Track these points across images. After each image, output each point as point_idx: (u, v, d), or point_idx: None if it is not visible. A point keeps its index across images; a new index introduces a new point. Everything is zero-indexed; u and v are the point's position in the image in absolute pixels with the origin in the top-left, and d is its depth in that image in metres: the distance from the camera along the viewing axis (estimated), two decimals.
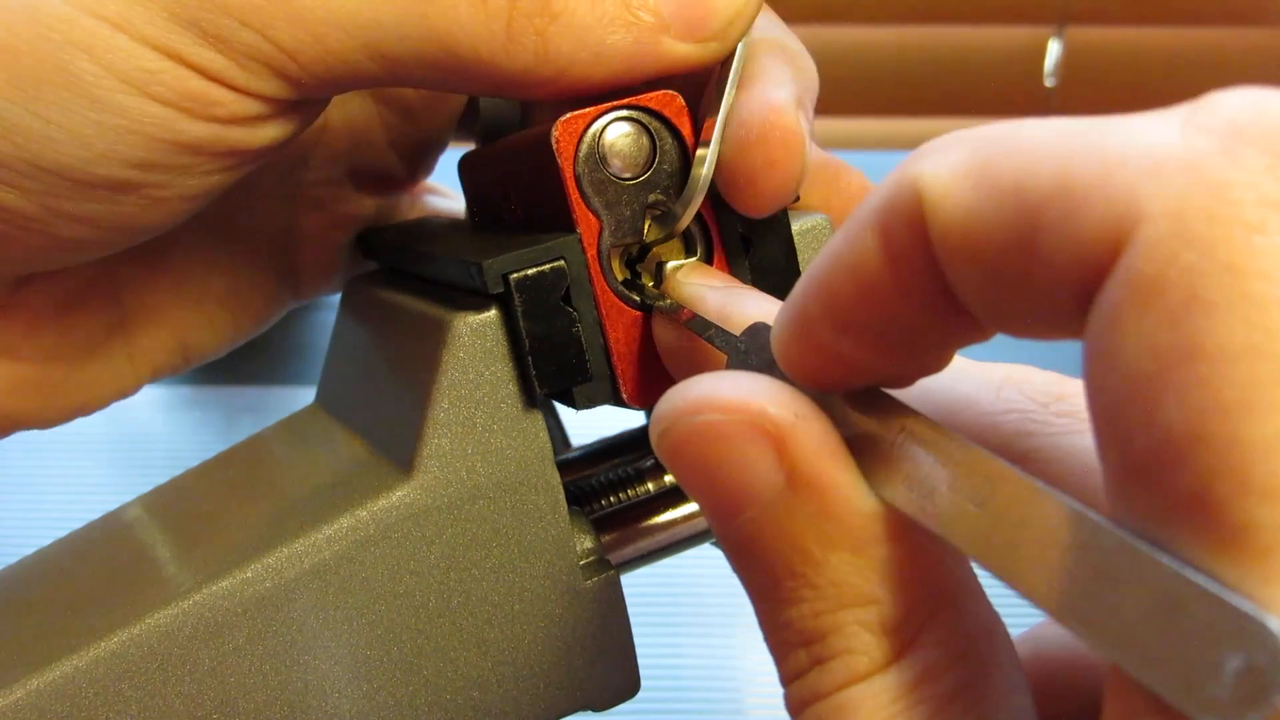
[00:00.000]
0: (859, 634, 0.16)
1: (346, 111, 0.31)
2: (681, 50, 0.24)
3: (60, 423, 0.30)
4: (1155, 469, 0.12)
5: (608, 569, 0.26)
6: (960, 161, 0.14)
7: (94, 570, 0.27)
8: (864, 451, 0.16)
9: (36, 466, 0.64)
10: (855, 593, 0.16)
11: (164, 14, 0.22)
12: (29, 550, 0.30)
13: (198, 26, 0.22)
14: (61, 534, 0.30)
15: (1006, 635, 0.16)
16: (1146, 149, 0.12)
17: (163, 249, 0.31)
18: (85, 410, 0.31)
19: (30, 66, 0.22)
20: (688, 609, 0.55)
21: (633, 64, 0.24)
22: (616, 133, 0.24)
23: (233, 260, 0.32)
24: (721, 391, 0.17)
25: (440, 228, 0.31)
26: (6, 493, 0.63)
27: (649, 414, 0.33)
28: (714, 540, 0.30)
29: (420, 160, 0.34)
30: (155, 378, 0.32)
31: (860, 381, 0.17)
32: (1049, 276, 0.13)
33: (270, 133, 0.25)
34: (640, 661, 0.27)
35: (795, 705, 0.17)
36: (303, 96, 0.24)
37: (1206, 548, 0.11)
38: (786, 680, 0.17)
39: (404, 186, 0.34)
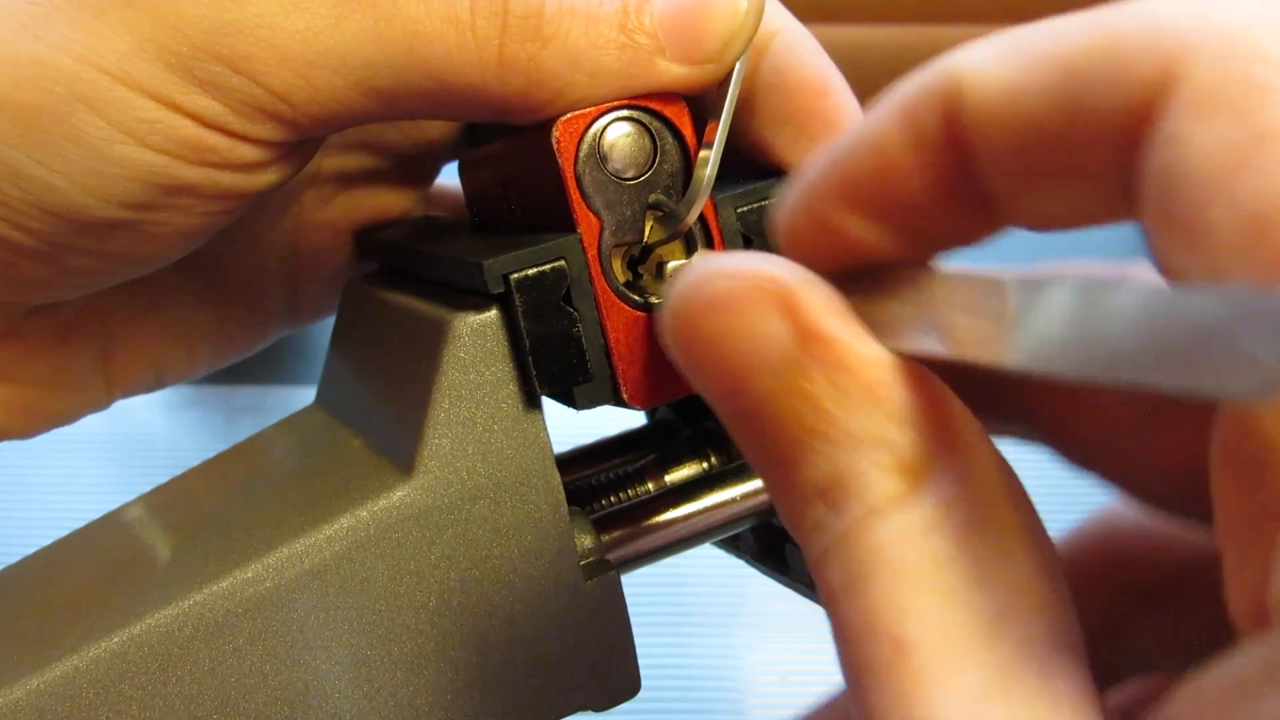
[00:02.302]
0: (876, 473, 0.16)
1: (341, 140, 0.31)
2: (677, 72, 0.24)
3: (35, 435, 0.31)
4: (1247, 238, 0.12)
5: (608, 569, 0.26)
6: (998, 46, 0.15)
7: (94, 570, 0.27)
8: (868, 317, 0.17)
9: (36, 466, 0.64)
10: (870, 437, 0.16)
11: (161, 64, 0.23)
12: (29, 550, 0.30)
13: (192, 75, 0.23)
14: (61, 534, 0.30)
15: (1019, 483, 0.16)
16: (1186, 5, 0.14)
17: (153, 285, 0.32)
18: (59, 424, 0.32)
19: (34, 118, 0.23)
20: (688, 609, 0.55)
21: (628, 86, 0.24)
22: (617, 132, 0.24)
23: (223, 297, 0.33)
24: (730, 261, 0.17)
25: (440, 228, 0.31)
26: (6, 493, 0.63)
27: (649, 414, 0.33)
28: (714, 540, 0.30)
29: (421, 179, 0.34)
30: (125, 396, 0.33)
31: (853, 263, 0.17)
32: (1095, 135, 0.14)
33: (269, 175, 0.25)
34: (641, 662, 0.27)
35: (816, 556, 0.17)
36: (301, 137, 0.25)
37: None
38: (805, 536, 0.17)
39: (404, 207, 0.34)
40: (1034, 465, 0.20)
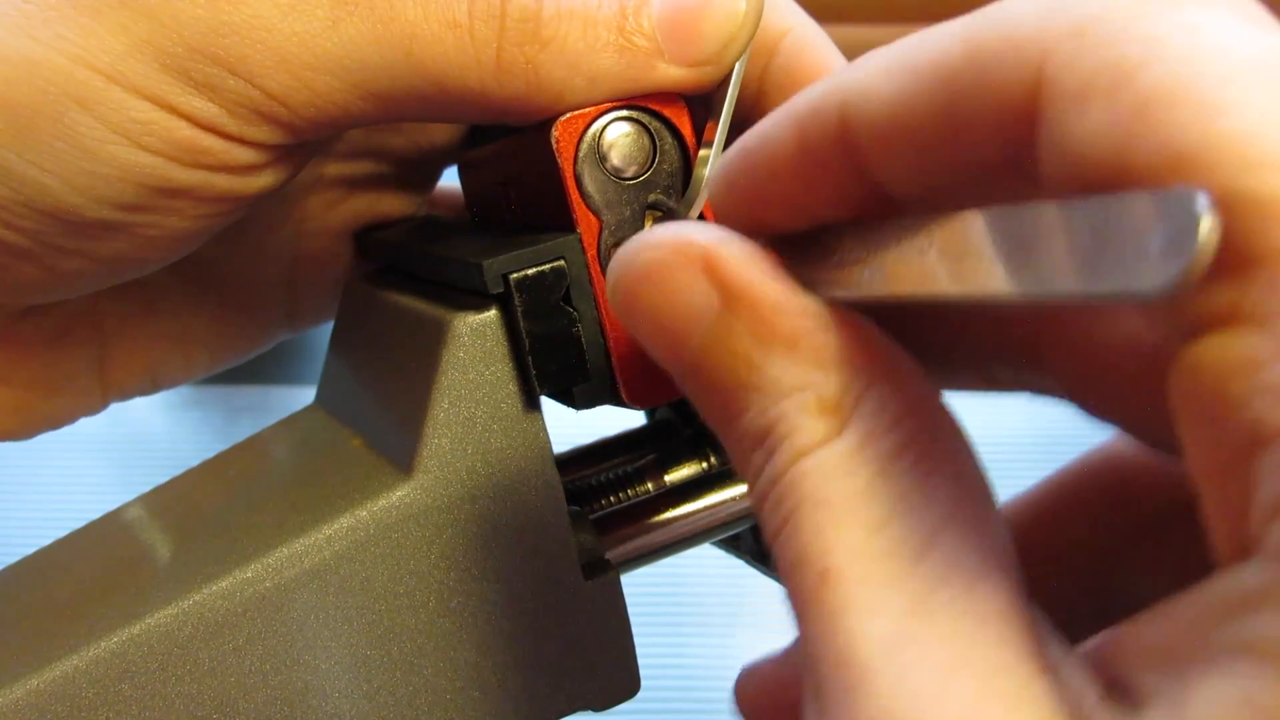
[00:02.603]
0: (800, 416, 0.17)
1: (344, 147, 0.31)
2: (676, 74, 0.24)
3: (28, 437, 0.31)
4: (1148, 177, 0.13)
5: (608, 569, 0.26)
6: (880, 63, 0.16)
7: (94, 570, 0.27)
8: (810, 263, 0.18)
9: (36, 466, 0.64)
10: (794, 382, 0.17)
11: (156, 65, 0.23)
12: (29, 550, 0.30)
13: (188, 76, 0.23)
14: (61, 534, 0.30)
15: (949, 410, 0.17)
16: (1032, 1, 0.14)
17: (150, 289, 0.32)
18: (54, 426, 0.32)
19: (27, 118, 0.23)
20: (688, 609, 0.55)
21: (627, 88, 0.24)
22: (616, 132, 0.24)
23: (222, 301, 0.33)
24: (653, 233, 0.18)
25: (440, 227, 0.31)
26: (6, 493, 0.63)
27: (649, 414, 0.33)
28: (714, 540, 0.30)
29: (424, 184, 0.33)
30: (120, 400, 0.33)
31: (788, 227, 0.19)
32: (976, 136, 0.15)
33: (264, 178, 0.25)
34: (640, 661, 0.27)
35: (756, 500, 0.18)
36: (298, 140, 0.25)
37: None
38: (750, 484, 0.18)
39: (407, 211, 0.34)
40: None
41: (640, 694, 0.27)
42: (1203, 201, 0.12)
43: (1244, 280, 0.12)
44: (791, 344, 0.17)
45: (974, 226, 0.15)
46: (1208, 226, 0.11)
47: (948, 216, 0.15)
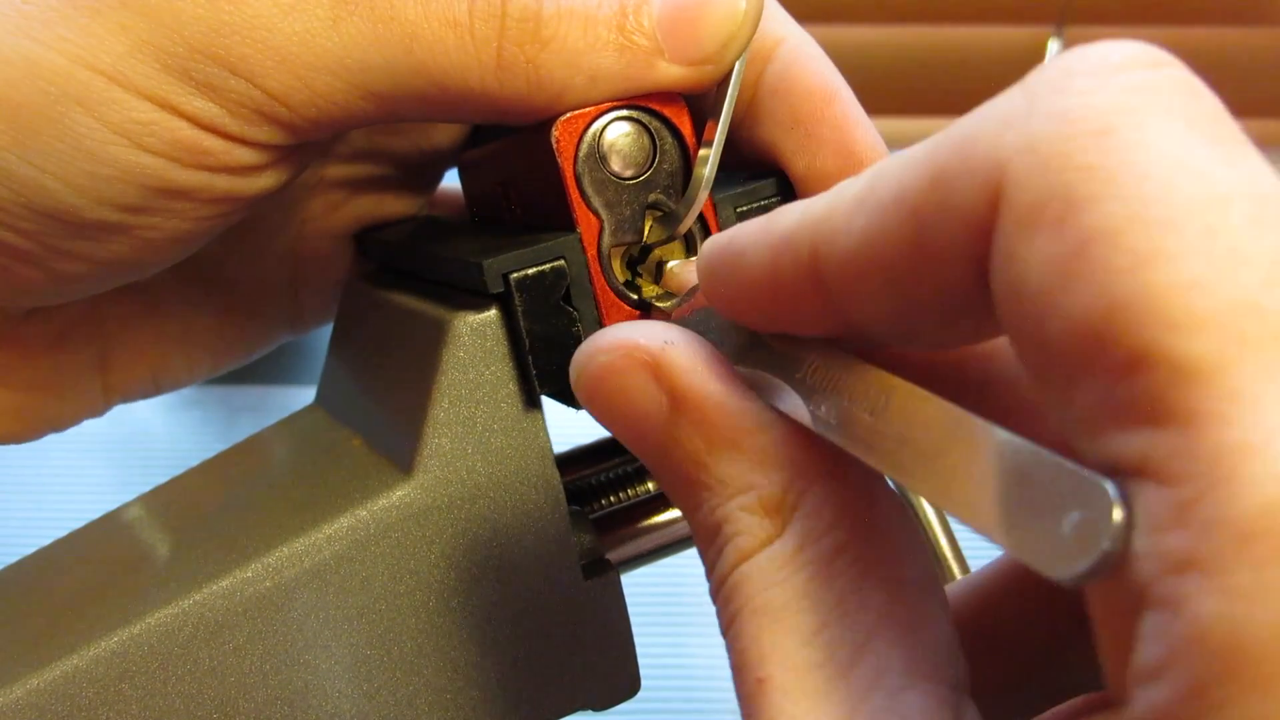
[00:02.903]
0: (743, 517, 0.18)
1: (346, 150, 0.31)
2: (676, 73, 0.24)
3: (31, 439, 0.31)
4: (1085, 349, 0.13)
5: (608, 568, 0.26)
6: (845, 201, 0.16)
7: (94, 570, 0.27)
8: (781, 377, 0.18)
9: (36, 466, 0.64)
10: (738, 483, 0.18)
11: (157, 66, 0.23)
12: (29, 550, 0.30)
13: (189, 76, 0.23)
14: (61, 534, 0.30)
15: (898, 507, 0.17)
16: (990, 119, 0.14)
17: (152, 291, 0.32)
18: (55, 429, 0.32)
19: (28, 119, 0.23)
20: (688, 608, 0.55)
21: (627, 87, 0.24)
22: (616, 132, 0.24)
23: (224, 304, 0.33)
24: (604, 337, 0.19)
25: (440, 227, 0.31)
26: (6, 493, 0.63)
27: None
28: None
29: (426, 186, 0.33)
30: (124, 402, 0.33)
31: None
32: (946, 259, 0.15)
33: (265, 179, 0.25)
34: (640, 661, 0.27)
35: (712, 596, 0.18)
36: (299, 140, 0.25)
37: (1141, 391, 0.12)
38: (707, 577, 0.19)
39: (408, 213, 0.34)
40: None
41: (640, 694, 0.27)
42: (1112, 494, 0.12)
43: (1155, 435, 0.12)
44: (734, 445, 0.18)
45: (923, 418, 0.15)
46: (1118, 522, 0.12)
47: (906, 391, 0.16)
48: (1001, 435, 0.14)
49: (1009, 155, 0.14)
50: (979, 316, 0.15)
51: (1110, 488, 0.12)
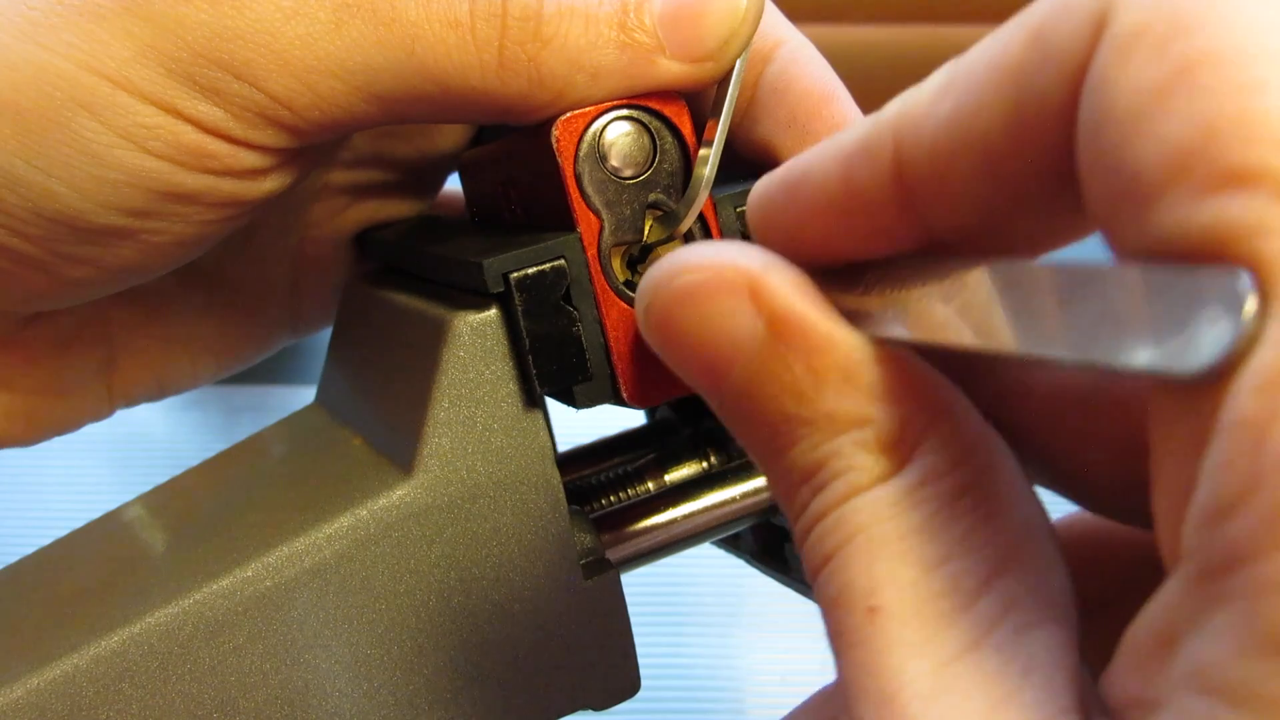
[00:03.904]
0: (856, 453, 0.16)
1: (350, 154, 0.31)
2: (677, 70, 0.24)
3: (36, 443, 0.31)
4: (1177, 167, 0.12)
5: (608, 568, 0.26)
6: (927, 90, 0.15)
7: (94, 569, 0.27)
8: (842, 311, 0.17)
9: (36, 466, 0.64)
10: (850, 418, 0.16)
11: (162, 70, 0.23)
12: (29, 550, 0.30)
13: (193, 81, 0.23)
14: (61, 534, 0.30)
15: (1008, 450, 0.16)
16: None
17: (157, 295, 0.32)
18: (60, 432, 0.32)
19: (34, 123, 0.23)
20: (688, 608, 0.55)
21: (629, 85, 0.24)
22: (617, 131, 0.24)
23: (227, 308, 0.33)
24: (693, 254, 0.17)
25: (440, 227, 0.31)
26: (6, 493, 0.63)
27: (649, 413, 0.33)
28: (714, 540, 0.30)
29: (428, 190, 0.34)
30: (128, 405, 0.33)
31: (823, 259, 0.18)
32: (1046, 121, 0.14)
33: (269, 182, 0.25)
34: (640, 661, 0.27)
35: (801, 535, 0.17)
36: (303, 143, 0.25)
37: (1241, 204, 0.11)
38: (794, 517, 0.17)
39: (411, 213, 0.34)
40: None
41: (640, 694, 0.27)
42: (1245, 283, 0.11)
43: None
44: (847, 377, 0.16)
45: (1004, 279, 0.14)
46: (1250, 311, 0.11)
47: (981, 262, 0.15)
48: (1094, 265, 0.13)
49: None
50: (1073, 200, 0.14)
51: (1241, 274, 0.11)
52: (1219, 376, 0.11)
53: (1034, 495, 0.16)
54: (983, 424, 0.16)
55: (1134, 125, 0.12)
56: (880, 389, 0.16)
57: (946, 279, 0.15)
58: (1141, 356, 0.12)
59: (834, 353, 0.16)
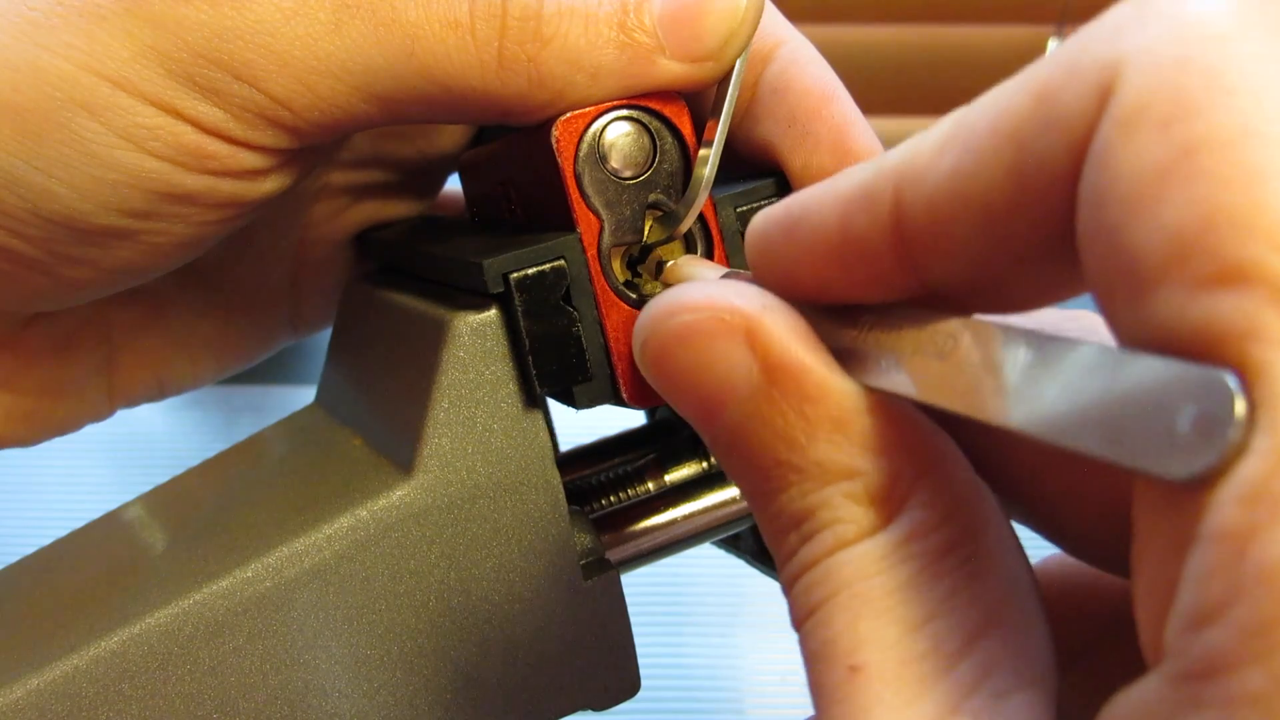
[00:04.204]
0: (845, 505, 0.16)
1: (350, 155, 0.31)
2: (677, 70, 0.24)
3: (36, 443, 0.31)
4: (1173, 257, 0.12)
5: (608, 568, 0.26)
6: (930, 140, 0.15)
7: (94, 570, 0.27)
8: (836, 350, 0.17)
9: (36, 466, 0.64)
10: (840, 468, 0.16)
11: (162, 71, 0.23)
12: (29, 550, 0.30)
13: (193, 81, 0.23)
14: (61, 534, 0.30)
15: (997, 505, 0.16)
16: (1103, 27, 0.13)
17: (157, 295, 0.32)
18: (60, 433, 0.32)
19: (34, 124, 0.23)
20: (688, 608, 0.55)
21: (629, 85, 0.24)
22: (617, 132, 0.24)
23: (227, 309, 0.33)
24: (691, 294, 0.17)
25: (440, 227, 0.31)
26: (6, 493, 0.63)
27: (649, 413, 0.33)
28: (714, 540, 0.30)
29: (428, 191, 0.34)
30: (128, 406, 0.33)
31: (821, 300, 0.18)
32: (1047, 184, 0.13)
33: (269, 183, 0.25)
34: (640, 661, 0.27)
35: (787, 583, 0.17)
36: (303, 144, 0.25)
37: (1245, 307, 0.11)
38: (781, 564, 0.17)
39: (411, 213, 0.34)
40: None
41: (640, 694, 0.27)
42: (1234, 390, 0.11)
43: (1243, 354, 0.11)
44: (839, 426, 0.16)
45: (1000, 344, 0.14)
46: (1238, 421, 0.11)
47: (976, 322, 0.15)
48: (1090, 347, 0.13)
49: (1123, 56, 0.13)
50: (1071, 261, 0.14)
51: (1230, 378, 0.11)
52: (1204, 482, 0.11)
53: (1019, 550, 0.16)
54: (971, 476, 0.16)
55: (1133, 208, 0.12)
56: (871, 440, 0.16)
57: (942, 333, 0.15)
58: (1127, 455, 0.12)
59: (827, 401, 0.16)
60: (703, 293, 0.17)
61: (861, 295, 0.17)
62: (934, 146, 0.15)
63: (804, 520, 0.16)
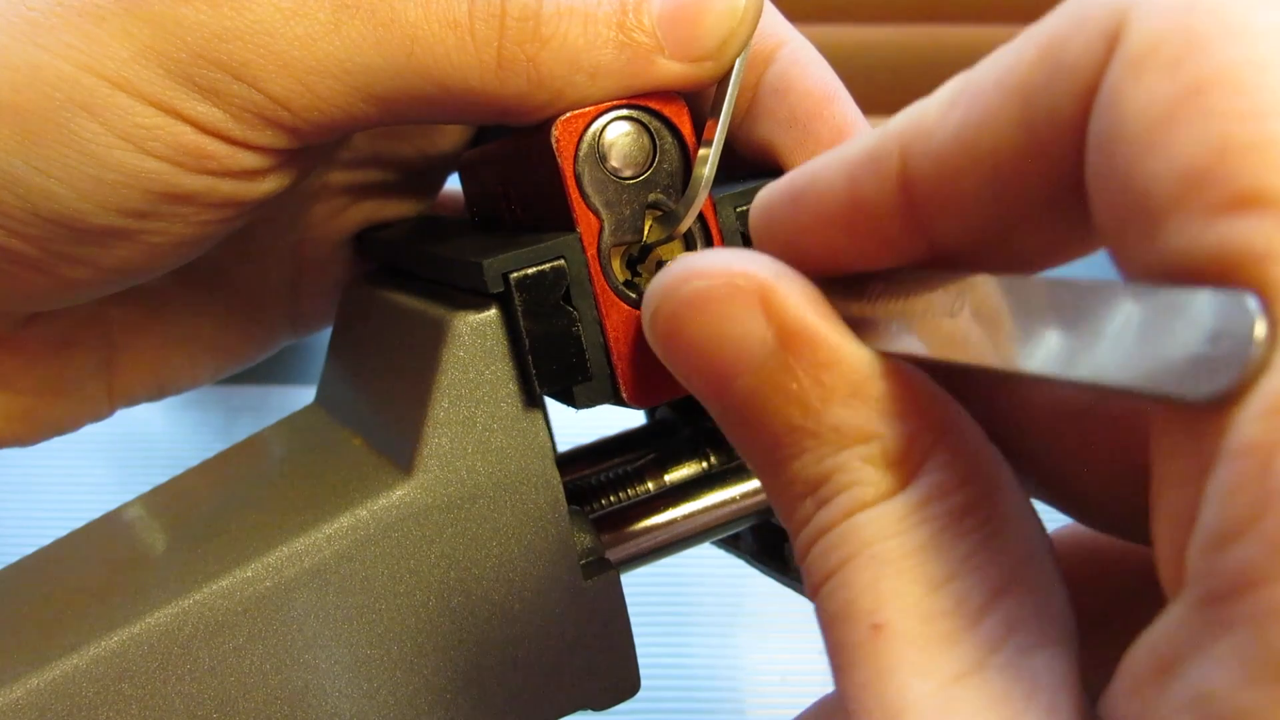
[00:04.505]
0: (863, 468, 0.16)
1: (350, 155, 0.31)
2: (677, 70, 0.24)
3: (36, 443, 0.31)
4: (1186, 188, 0.12)
5: (608, 568, 0.26)
6: (935, 101, 0.15)
7: (94, 570, 0.27)
8: (846, 319, 0.17)
9: (36, 466, 0.64)
10: (857, 432, 0.16)
11: (161, 71, 0.23)
12: (29, 550, 0.30)
13: (192, 81, 0.23)
14: (61, 534, 0.30)
15: (1010, 469, 0.16)
16: None
17: (157, 295, 0.32)
18: (60, 433, 0.32)
19: (34, 124, 0.23)
20: (688, 608, 0.55)
21: (628, 85, 0.24)
22: (616, 132, 0.24)
23: (227, 309, 0.33)
24: (704, 261, 0.17)
25: (440, 227, 0.31)
26: (6, 493, 0.63)
27: (649, 413, 0.33)
28: (714, 540, 0.30)
29: (429, 191, 0.34)
30: (128, 405, 0.33)
31: (829, 269, 0.18)
32: (1054, 136, 0.13)
33: (268, 183, 0.25)
34: (640, 661, 0.27)
35: (802, 549, 0.17)
36: (302, 144, 0.25)
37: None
38: (795, 529, 0.17)
39: (411, 213, 0.34)
40: None
41: (640, 694, 0.27)
42: (1254, 306, 0.11)
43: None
44: (855, 391, 0.16)
45: (1010, 294, 0.14)
46: (1259, 338, 0.11)
47: (983, 278, 0.15)
48: (1101, 283, 0.13)
49: (1130, 2, 0.13)
50: (1079, 215, 0.14)
51: (1249, 298, 0.11)
52: (1225, 402, 0.11)
53: (1034, 514, 0.16)
54: (985, 441, 0.16)
55: (1144, 144, 0.12)
56: (887, 404, 0.16)
57: (951, 293, 0.15)
58: (1147, 379, 0.12)
59: (842, 366, 0.16)
60: (717, 259, 0.17)
61: (869, 261, 0.17)
62: (940, 105, 0.15)
63: (820, 485, 0.16)
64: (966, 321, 0.15)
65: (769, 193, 0.18)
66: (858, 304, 0.17)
